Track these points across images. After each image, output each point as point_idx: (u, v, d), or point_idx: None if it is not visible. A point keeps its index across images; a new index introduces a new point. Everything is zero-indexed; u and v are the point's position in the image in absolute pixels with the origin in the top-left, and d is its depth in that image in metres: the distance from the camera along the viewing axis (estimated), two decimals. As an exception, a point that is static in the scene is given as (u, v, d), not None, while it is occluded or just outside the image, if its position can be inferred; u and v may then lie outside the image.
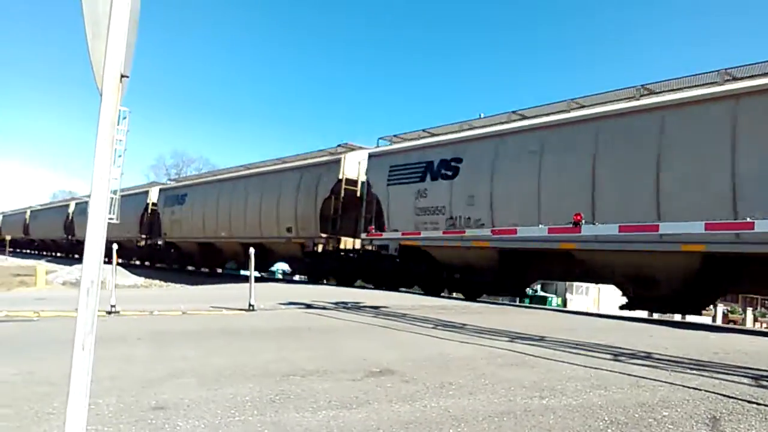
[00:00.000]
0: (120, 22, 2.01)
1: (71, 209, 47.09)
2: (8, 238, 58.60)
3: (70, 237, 46.83)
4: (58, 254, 51.61)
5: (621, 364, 5.87)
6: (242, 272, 29.48)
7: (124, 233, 32.28)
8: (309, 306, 11.44)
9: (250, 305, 10.33)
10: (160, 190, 33.87)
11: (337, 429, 3.50)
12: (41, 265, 25.70)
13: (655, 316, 16.09)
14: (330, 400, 4.13)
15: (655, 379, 5.11)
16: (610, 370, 5.51)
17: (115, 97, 1.98)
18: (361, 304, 12.06)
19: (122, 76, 2.01)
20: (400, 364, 5.52)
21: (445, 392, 4.43)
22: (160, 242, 32.66)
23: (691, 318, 17.52)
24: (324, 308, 11.15)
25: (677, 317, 18.02)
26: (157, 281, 24.57)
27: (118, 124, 2.07)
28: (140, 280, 23.82)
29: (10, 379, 4.47)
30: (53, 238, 52.01)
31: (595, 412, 4.00)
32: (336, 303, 12.13)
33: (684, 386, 4.85)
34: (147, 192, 34.50)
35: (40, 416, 3.52)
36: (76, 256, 42.25)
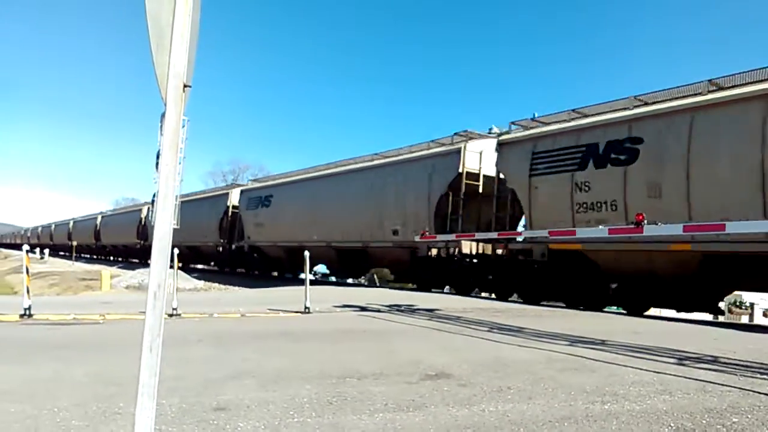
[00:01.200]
0: (182, 33, 2.07)
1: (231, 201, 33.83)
2: (74, 243, 60.66)
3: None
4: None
5: (686, 369, 5.67)
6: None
7: (360, 234, 21.70)
8: (363, 309, 11.50)
9: (305, 308, 10.47)
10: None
11: (394, 432, 3.50)
12: (106, 270, 26.70)
13: (721, 318, 15.25)
14: (386, 402, 4.13)
15: (723, 384, 4.92)
16: (675, 375, 5.33)
17: (179, 106, 2.05)
18: (415, 307, 12.05)
19: (185, 86, 2.08)
20: (456, 367, 5.48)
21: (503, 396, 4.37)
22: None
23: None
24: (378, 311, 11.19)
25: (744, 320, 17.09)
26: (216, 284, 25.15)
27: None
28: (200, 284, 24.45)
29: (80, 380, 4.64)
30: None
31: (660, 418, 3.87)
32: (390, 306, 12.15)
33: (754, 392, 4.65)
34: (459, 151, 18.68)
35: (107, 416, 3.64)
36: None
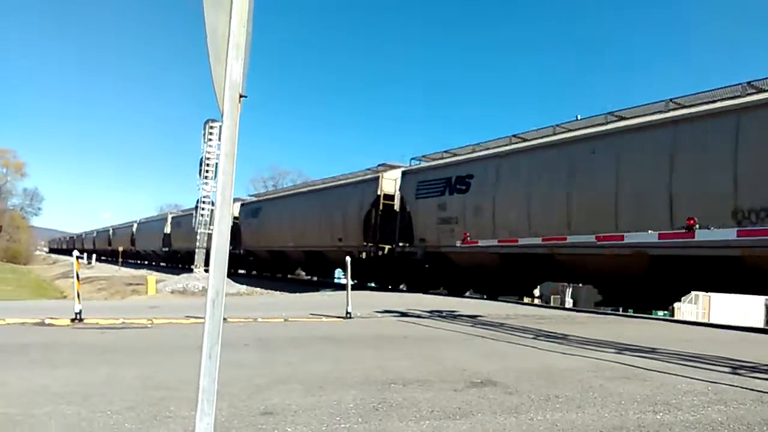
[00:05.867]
0: (238, 45, 2.11)
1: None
2: (121, 249, 62.08)
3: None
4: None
5: (741, 378, 5.50)
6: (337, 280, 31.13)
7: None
8: (404, 314, 11.48)
9: (347, 313, 10.49)
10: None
11: (441, 439, 3.47)
12: (152, 275, 27.30)
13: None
14: (432, 410, 4.10)
15: (781, 395, 4.74)
16: (730, 384, 5.17)
17: (235, 115, 2.08)
18: (456, 313, 11.97)
19: (240, 96, 2.12)
20: (502, 375, 5.42)
21: (552, 405, 4.30)
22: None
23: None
24: (419, 317, 11.15)
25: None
26: (258, 289, 25.45)
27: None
28: (243, 288, 24.78)
29: (131, 383, 4.73)
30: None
31: (715, 429, 3.76)
32: (431, 311, 12.10)
33: (816, 404, 4.46)
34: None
35: (158, 419, 3.69)
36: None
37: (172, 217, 52.60)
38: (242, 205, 39.19)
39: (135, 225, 67.96)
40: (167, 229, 51.10)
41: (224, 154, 2.05)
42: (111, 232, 78.44)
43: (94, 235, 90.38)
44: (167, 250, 51.61)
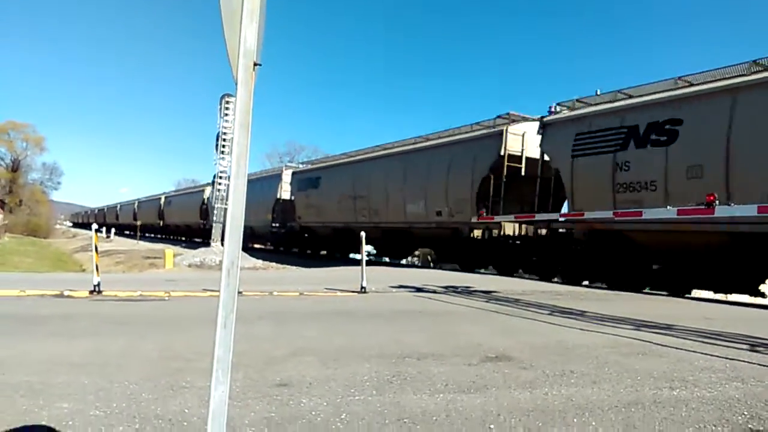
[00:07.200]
0: (252, 11, 2.07)
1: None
2: (139, 223, 62.32)
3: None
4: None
5: (760, 356, 5.44)
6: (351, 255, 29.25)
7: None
8: (419, 289, 11.49)
9: (362, 287, 10.53)
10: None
11: (455, 413, 3.46)
12: (169, 249, 27.51)
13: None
14: (447, 383, 4.10)
15: (801, 373, 4.68)
16: (748, 362, 5.12)
17: (249, 84, 2.05)
18: (472, 289, 11.97)
19: (255, 65, 2.08)
20: (517, 350, 5.40)
21: (567, 380, 4.28)
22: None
23: None
24: (434, 292, 11.16)
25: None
26: (273, 264, 25.55)
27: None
28: (259, 263, 24.89)
29: (149, 354, 4.79)
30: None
31: (732, 406, 3.73)
32: (446, 287, 12.10)
33: (837, 382, 4.41)
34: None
35: (175, 390, 3.74)
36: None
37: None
38: (294, 174, 33.60)
39: (163, 198, 63.78)
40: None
41: (239, 125, 2.02)
42: (136, 205, 76.16)
43: (118, 209, 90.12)
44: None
